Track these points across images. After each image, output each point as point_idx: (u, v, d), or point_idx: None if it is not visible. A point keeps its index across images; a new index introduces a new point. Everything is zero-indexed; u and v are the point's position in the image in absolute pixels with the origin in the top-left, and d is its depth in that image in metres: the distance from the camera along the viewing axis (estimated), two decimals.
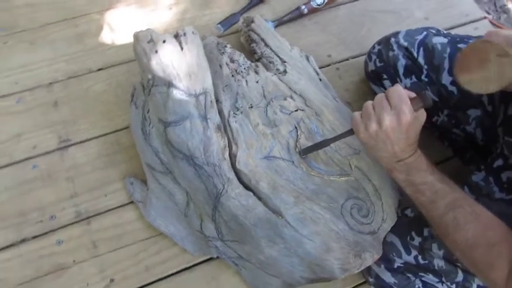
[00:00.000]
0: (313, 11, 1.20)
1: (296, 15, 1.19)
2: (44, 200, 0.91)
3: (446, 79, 0.93)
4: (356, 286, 0.94)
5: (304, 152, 0.86)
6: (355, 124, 0.73)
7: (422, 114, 0.70)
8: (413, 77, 0.97)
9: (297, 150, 0.87)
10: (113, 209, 0.93)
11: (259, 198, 0.83)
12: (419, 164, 0.72)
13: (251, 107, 0.90)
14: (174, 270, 0.90)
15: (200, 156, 0.81)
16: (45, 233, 0.89)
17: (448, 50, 0.93)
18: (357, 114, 0.73)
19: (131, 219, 0.92)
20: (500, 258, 0.64)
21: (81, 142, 0.98)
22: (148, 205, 0.90)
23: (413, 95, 0.70)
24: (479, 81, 0.60)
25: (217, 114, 0.86)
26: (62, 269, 0.86)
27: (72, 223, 0.90)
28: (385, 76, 1.02)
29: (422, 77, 0.96)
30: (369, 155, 0.86)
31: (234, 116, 0.88)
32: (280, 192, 0.82)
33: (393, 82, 1.01)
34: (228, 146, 0.86)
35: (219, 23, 1.16)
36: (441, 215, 0.69)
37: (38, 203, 0.91)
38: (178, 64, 0.79)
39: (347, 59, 1.17)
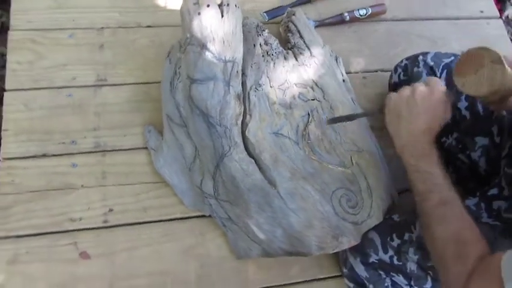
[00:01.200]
0: (354, 20, 1.26)
1: (337, 21, 1.26)
2: (70, 126, 1.00)
3: (462, 103, 0.97)
4: (331, 277, 0.99)
5: (331, 122, 0.92)
6: (389, 96, 0.79)
7: (449, 108, 0.76)
8: None
9: (304, 134, 0.93)
10: (127, 149, 1.01)
11: (259, 168, 0.90)
12: (431, 154, 0.76)
13: (272, 86, 0.96)
14: (167, 217, 0.97)
15: (215, 116, 0.88)
16: (64, 154, 0.98)
17: None
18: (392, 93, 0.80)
19: (141, 162, 1.00)
20: (468, 258, 0.67)
21: (115, 85, 1.07)
22: (159, 153, 0.98)
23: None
24: (473, 83, 0.65)
25: (240, 84, 0.93)
26: (70, 188, 0.95)
27: (89, 152, 0.99)
28: None
29: None
30: (389, 129, 0.83)
31: (255, 91, 0.95)
32: (279, 166, 0.88)
33: None
34: (243, 115, 0.93)
35: (266, 12, 1.24)
36: (433, 206, 0.73)
37: (64, 127, 1.00)
38: (215, 29, 0.87)
39: (375, 71, 1.23)
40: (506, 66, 0.62)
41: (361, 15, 1.26)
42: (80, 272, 0.90)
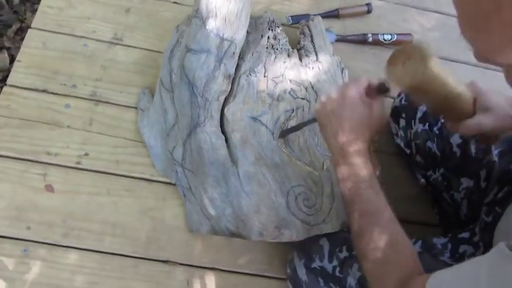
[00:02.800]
0: (377, 43, 1.26)
1: (360, 40, 1.26)
2: (76, 72, 1.07)
3: (455, 139, 0.94)
4: (277, 278, 0.97)
5: (282, 134, 0.92)
6: (315, 105, 0.78)
7: (378, 104, 0.72)
8: (426, 124, 0.99)
9: (282, 127, 0.93)
10: (120, 105, 1.06)
11: (228, 146, 0.91)
12: (360, 164, 0.71)
13: (266, 76, 0.98)
14: (136, 175, 1.00)
15: (200, 87, 0.91)
16: (62, 95, 1.04)
17: None
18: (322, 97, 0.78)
19: (129, 119, 1.04)
20: (391, 277, 0.65)
21: (128, 46, 1.13)
22: (145, 113, 1.02)
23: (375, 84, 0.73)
24: (398, 74, 0.64)
25: (234, 66, 0.96)
26: (57, 125, 1.01)
27: (85, 98, 1.05)
28: (403, 115, 1.04)
29: (435, 128, 0.97)
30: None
31: (248, 76, 0.97)
32: (247, 148, 0.89)
33: (407, 123, 1.03)
34: (228, 95, 0.95)
35: (291, 16, 1.27)
36: (357, 218, 0.71)
37: (70, 71, 1.07)
38: (220, 5, 0.90)
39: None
40: (432, 63, 0.60)
41: (385, 40, 1.26)
42: (40, 202, 0.94)
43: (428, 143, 0.99)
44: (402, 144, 1.06)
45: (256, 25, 1.07)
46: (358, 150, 0.72)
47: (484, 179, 0.91)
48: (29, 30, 1.10)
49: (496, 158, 0.90)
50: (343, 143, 0.72)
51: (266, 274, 0.97)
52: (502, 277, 0.50)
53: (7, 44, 1.37)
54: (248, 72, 0.97)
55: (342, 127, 0.72)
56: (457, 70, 1.29)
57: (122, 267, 0.92)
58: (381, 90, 0.69)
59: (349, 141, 0.71)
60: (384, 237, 0.68)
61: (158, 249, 0.95)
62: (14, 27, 1.41)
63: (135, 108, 1.05)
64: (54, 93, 1.04)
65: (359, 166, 0.71)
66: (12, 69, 1.05)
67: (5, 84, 1.03)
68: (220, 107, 0.93)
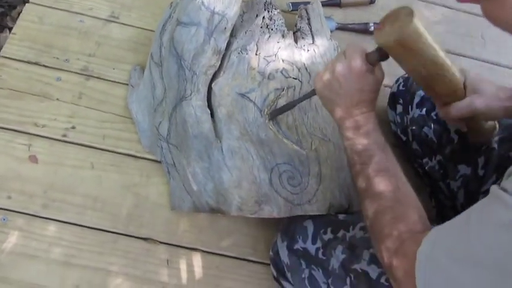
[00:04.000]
0: None
1: (361, 29, 1.23)
2: (70, 47, 1.07)
3: (452, 125, 0.90)
4: (260, 263, 0.93)
5: (273, 114, 0.89)
6: (315, 79, 0.75)
7: (379, 70, 0.70)
8: (424, 109, 0.95)
9: (271, 104, 0.91)
10: (111, 80, 1.05)
11: (213, 120, 0.88)
12: (367, 124, 0.70)
13: (258, 54, 0.96)
14: (122, 151, 0.98)
15: (188, 60, 0.89)
16: (54, 68, 1.04)
17: None
18: (319, 72, 0.76)
19: (118, 95, 1.03)
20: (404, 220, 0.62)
21: (124, 24, 1.12)
22: (134, 89, 1.00)
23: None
24: (385, 34, 0.63)
25: (225, 42, 0.93)
26: (46, 98, 1.00)
27: (76, 72, 1.04)
28: (400, 101, 1.01)
29: (433, 113, 0.94)
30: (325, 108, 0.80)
31: (239, 53, 0.95)
32: (232, 123, 0.87)
33: (404, 108, 1.00)
34: (218, 70, 0.93)
35: (292, 2, 1.25)
36: (368, 177, 0.68)
37: (64, 46, 1.06)
38: None
39: (384, 86, 1.17)
40: (417, 18, 0.60)
41: None
42: (23, 172, 0.92)
43: (425, 129, 0.95)
44: (398, 131, 1.02)
45: (253, 5, 1.05)
46: (369, 117, 0.70)
47: (482, 166, 0.86)
48: (26, 4, 1.11)
49: (495, 145, 0.86)
50: (355, 114, 0.70)
51: (250, 258, 0.93)
52: (487, 215, 0.48)
53: (10, 24, 1.38)
54: (240, 49, 0.95)
55: (351, 98, 0.70)
56: (463, 65, 1.25)
57: (101, 242, 0.90)
58: (381, 55, 0.67)
59: (361, 112, 0.70)
60: (392, 189, 0.65)
61: (139, 226, 0.92)
62: (19, 8, 1.41)
63: (126, 84, 1.04)
64: (45, 66, 1.04)
65: (374, 133, 0.70)
66: (6, 41, 1.05)
67: None
68: (208, 82, 0.91)
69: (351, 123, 0.70)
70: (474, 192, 0.87)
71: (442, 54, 0.64)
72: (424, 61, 0.63)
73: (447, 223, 0.54)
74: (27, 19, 1.09)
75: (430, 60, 0.63)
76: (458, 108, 0.73)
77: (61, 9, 1.11)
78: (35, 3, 1.11)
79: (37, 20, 1.09)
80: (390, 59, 0.67)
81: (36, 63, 1.03)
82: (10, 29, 1.38)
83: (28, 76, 1.02)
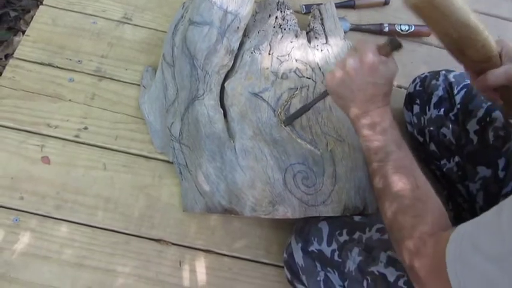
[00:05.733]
0: (393, 33, 1.21)
1: (375, 30, 1.22)
2: (83, 48, 1.07)
3: (472, 125, 0.88)
4: (274, 265, 0.91)
5: (288, 121, 0.87)
6: (326, 77, 0.74)
7: (392, 61, 0.68)
8: (442, 109, 0.93)
9: (285, 104, 0.89)
10: (123, 81, 1.04)
11: (226, 120, 0.87)
12: (383, 120, 0.68)
13: (271, 54, 0.95)
14: (134, 152, 0.97)
15: (200, 59, 0.88)
16: (67, 69, 1.04)
17: (489, 103, 0.88)
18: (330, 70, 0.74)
19: (131, 96, 1.02)
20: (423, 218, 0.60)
21: (137, 25, 1.12)
22: (147, 90, 1.00)
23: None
24: None
25: (238, 41, 0.92)
26: (59, 98, 1.00)
27: (89, 73, 1.04)
28: (417, 101, 0.99)
29: (451, 113, 0.91)
30: (338, 108, 0.78)
31: (252, 53, 0.94)
32: (245, 123, 0.85)
33: (422, 109, 0.97)
34: (230, 70, 0.92)
35: (305, 4, 1.24)
36: (387, 175, 0.66)
37: (77, 47, 1.07)
38: None
39: (399, 87, 1.15)
40: None
41: (402, 31, 1.21)
42: (36, 172, 0.92)
43: (443, 130, 0.93)
44: (415, 132, 1.00)
45: (265, 6, 1.04)
46: (384, 113, 0.68)
47: (503, 168, 0.84)
48: (40, 6, 1.11)
49: None
50: (370, 109, 0.68)
51: (263, 260, 0.91)
52: None
53: (24, 27, 1.39)
54: (253, 49, 0.94)
55: (365, 92, 0.68)
56: None
57: (112, 243, 0.89)
58: (394, 46, 0.66)
59: (377, 106, 0.68)
60: (411, 187, 0.63)
61: (151, 228, 0.91)
62: (32, 13, 1.42)
63: (139, 85, 1.04)
64: (58, 67, 1.04)
65: (390, 130, 0.68)
66: (20, 43, 1.06)
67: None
68: (221, 81, 0.90)
69: (367, 121, 0.69)
70: (494, 195, 0.84)
71: (474, 17, 0.62)
72: (455, 22, 0.61)
73: (474, 219, 0.52)
74: (40, 21, 1.09)
75: (461, 22, 0.61)
76: (496, 74, 0.69)
77: (74, 11, 1.12)
78: (48, 6, 1.11)
79: (50, 21, 1.09)
80: (401, 59, 0.65)
81: (49, 65, 1.03)
82: (24, 32, 1.39)
83: (41, 77, 1.02)
